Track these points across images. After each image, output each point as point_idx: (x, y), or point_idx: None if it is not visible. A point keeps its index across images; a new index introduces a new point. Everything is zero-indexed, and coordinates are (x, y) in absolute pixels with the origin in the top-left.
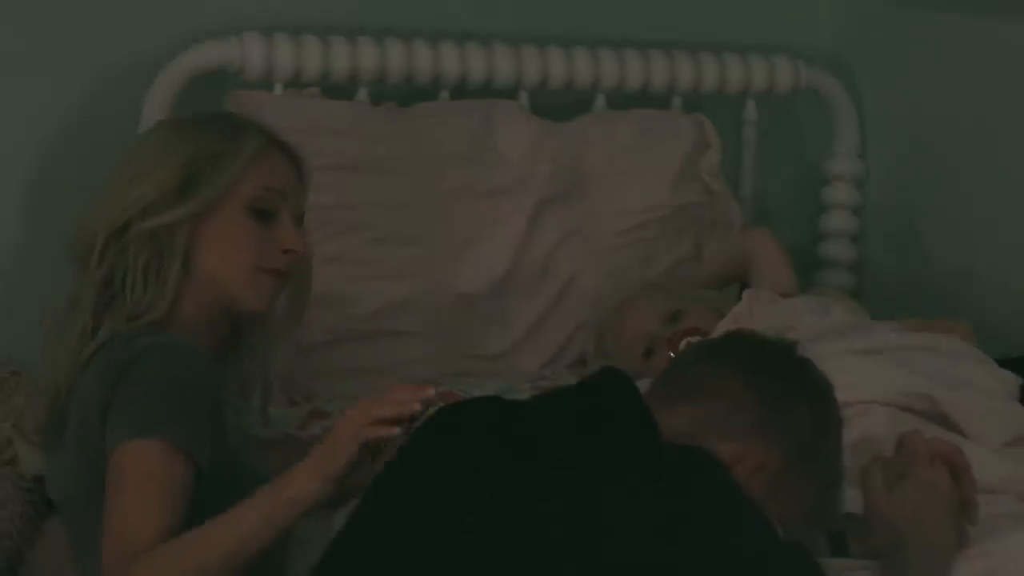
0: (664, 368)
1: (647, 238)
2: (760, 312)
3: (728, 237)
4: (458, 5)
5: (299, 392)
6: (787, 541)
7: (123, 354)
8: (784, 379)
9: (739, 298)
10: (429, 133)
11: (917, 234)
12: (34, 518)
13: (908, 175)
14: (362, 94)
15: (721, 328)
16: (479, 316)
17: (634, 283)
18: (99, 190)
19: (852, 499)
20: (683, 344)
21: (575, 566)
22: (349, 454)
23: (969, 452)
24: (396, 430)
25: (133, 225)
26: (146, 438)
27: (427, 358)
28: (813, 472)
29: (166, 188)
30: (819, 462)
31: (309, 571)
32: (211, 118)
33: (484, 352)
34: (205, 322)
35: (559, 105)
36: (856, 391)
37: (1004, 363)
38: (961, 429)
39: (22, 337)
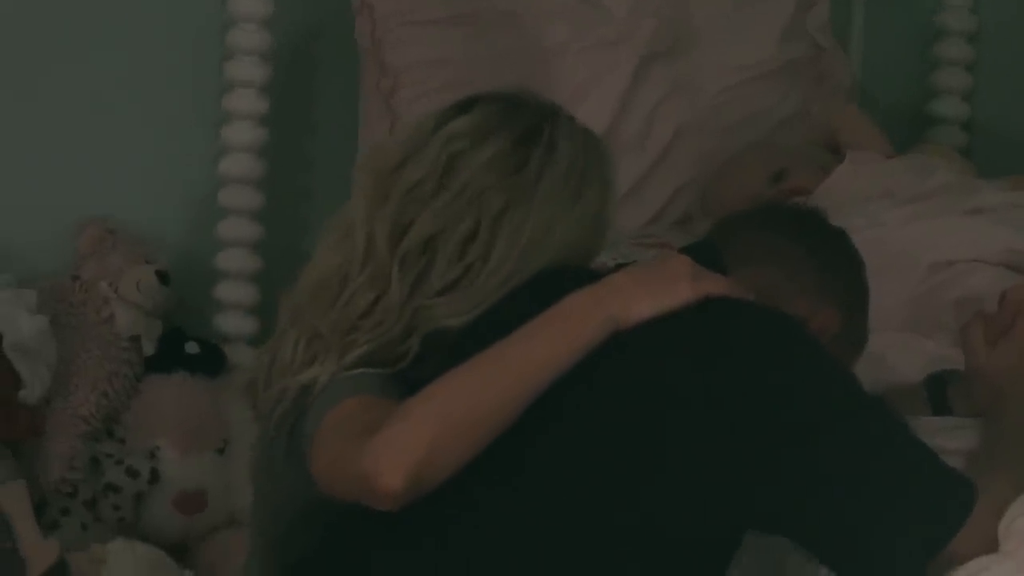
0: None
1: (753, 94)
2: (864, 172)
3: (834, 99)
4: None
5: None
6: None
7: None
8: (835, 246)
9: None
10: None
11: None
12: (130, 378)
13: (1023, 30)
14: None
15: (824, 187)
16: None
17: (739, 140)
18: None
19: (955, 357)
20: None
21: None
22: (687, 299)
23: None
24: None
25: None
26: (349, 398)
27: None
28: (859, 339)
29: None
30: (862, 331)
31: None
32: None
33: None
34: None
35: None
36: (961, 250)
37: None
38: None
39: (117, 196)
